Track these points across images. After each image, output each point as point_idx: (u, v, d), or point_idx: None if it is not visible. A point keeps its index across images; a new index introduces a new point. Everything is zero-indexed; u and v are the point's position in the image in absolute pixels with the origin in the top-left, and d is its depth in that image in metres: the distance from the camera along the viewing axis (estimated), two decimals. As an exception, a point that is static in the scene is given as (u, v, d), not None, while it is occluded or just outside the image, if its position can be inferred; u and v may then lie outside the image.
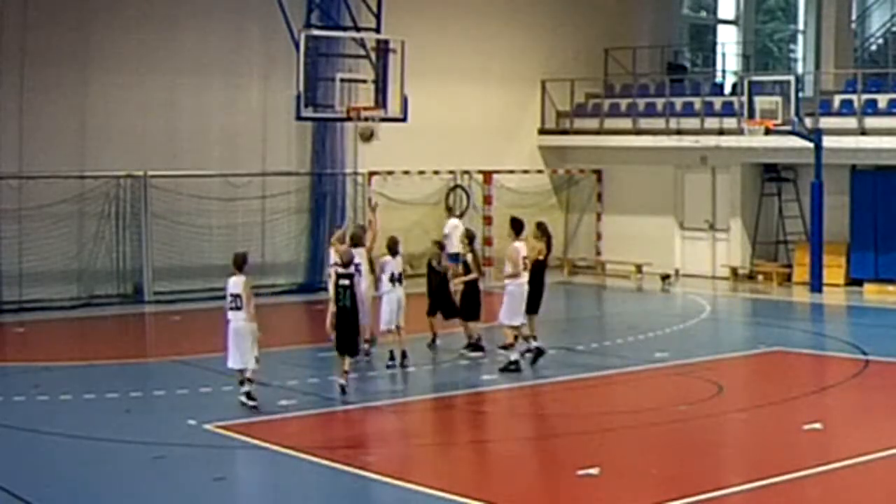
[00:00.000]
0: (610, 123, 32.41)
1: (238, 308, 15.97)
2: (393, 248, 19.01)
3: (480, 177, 31.90)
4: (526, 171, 32.91)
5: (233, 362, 16.11)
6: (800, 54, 39.68)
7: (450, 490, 12.33)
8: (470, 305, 19.73)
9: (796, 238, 30.22)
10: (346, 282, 16.74)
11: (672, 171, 31.79)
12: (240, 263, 16.25)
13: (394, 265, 18.86)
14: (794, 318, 25.45)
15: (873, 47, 37.07)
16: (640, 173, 32.09)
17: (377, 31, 25.21)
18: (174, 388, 17.41)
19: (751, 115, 27.36)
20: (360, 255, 18.37)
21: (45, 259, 25.42)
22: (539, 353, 18.81)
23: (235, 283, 16.06)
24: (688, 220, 31.86)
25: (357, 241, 18.96)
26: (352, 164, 29.32)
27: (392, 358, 18.71)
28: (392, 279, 18.78)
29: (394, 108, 24.69)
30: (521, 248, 18.69)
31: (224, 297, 16.17)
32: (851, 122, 27.86)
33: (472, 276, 19.63)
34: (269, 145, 28.56)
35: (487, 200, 31.88)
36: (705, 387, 17.48)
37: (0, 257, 25.00)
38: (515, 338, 18.51)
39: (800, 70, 37.43)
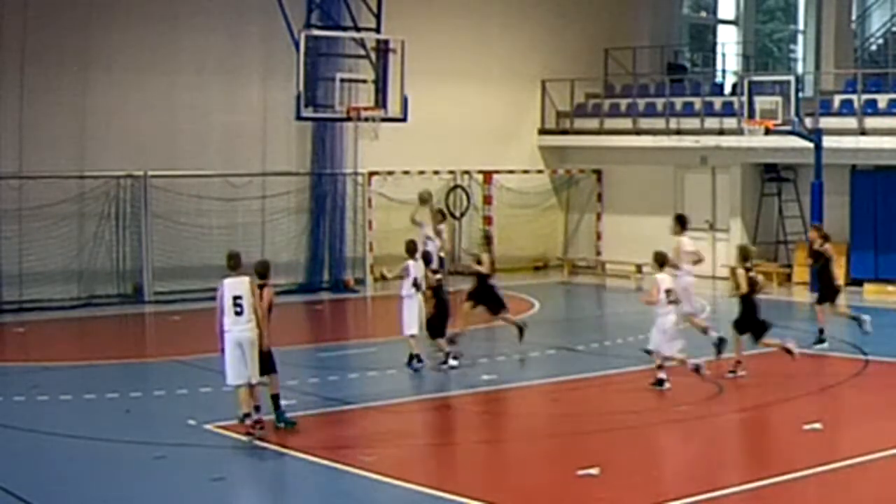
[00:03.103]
0: (610, 123, 32.39)
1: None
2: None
3: (480, 177, 31.92)
4: (526, 171, 32.91)
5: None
6: (800, 54, 39.64)
7: (450, 490, 12.33)
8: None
9: (796, 238, 30.18)
10: None
11: (672, 171, 31.76)
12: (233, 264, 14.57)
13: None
14: (794, 318, 25.39)
15: (873, 47, 37.02)
16: (640, 173, 32.07)
17: (377, 31, 25.21)
18: (174, 388, 17.42)
19: (751, 115, 27.33)
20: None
21: (45, 259, 25.42)
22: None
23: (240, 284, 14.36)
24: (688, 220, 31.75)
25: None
26: (352, 164, 29.35)
27: None
28: None
29: (394, 108, 24.71)
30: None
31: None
32: (851, 122, 27.83)
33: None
34: (269, 145, 28.56)
35: (487, 200, 31.89)
36: (705, 387, 17.48)
37: (0, 257, 25.01)
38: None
39: (800, 70, 37.38)
